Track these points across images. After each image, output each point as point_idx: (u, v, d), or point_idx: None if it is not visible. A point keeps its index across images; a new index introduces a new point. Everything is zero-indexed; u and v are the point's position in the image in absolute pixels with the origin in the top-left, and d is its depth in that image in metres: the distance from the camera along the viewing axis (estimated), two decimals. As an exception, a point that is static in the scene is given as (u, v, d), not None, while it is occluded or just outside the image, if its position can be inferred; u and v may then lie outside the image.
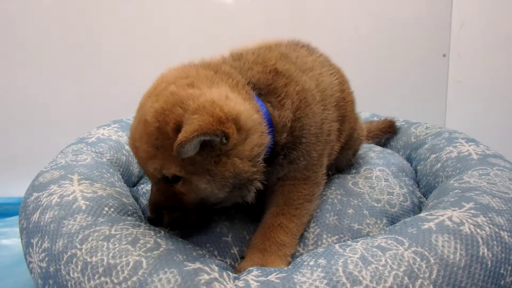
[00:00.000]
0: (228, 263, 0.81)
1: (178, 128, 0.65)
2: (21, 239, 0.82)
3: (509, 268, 0.64)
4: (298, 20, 1.85)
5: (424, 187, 1.08)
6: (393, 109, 1.72)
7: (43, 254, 0.72)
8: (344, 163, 1.08)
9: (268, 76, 0.80)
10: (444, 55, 1.97)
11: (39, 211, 0.80)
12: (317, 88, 0.85)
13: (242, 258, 0.80)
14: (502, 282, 0.63)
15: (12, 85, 1.75)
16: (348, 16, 1.91)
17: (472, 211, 0.72)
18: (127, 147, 1.19)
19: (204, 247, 0.81)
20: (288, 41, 0.95)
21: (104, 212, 0.79)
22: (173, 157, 0.68)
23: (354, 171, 1.04)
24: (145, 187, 1.08)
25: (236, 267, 0.78)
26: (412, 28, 1.96)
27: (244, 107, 0.70)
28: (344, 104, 0.97)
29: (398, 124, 1.43)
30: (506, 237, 0.67)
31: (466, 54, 1.93)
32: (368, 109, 1.63)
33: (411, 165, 1.21)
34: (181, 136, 0.62)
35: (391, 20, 1.96)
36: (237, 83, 0.75)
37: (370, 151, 1.19)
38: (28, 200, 0.86)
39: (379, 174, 1.01)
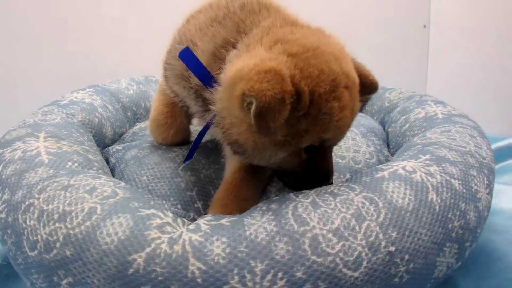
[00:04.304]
0: (192, 216, 0.83)
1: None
2: (-16, 194, 0.83)
3: (458, 213, 0.66)
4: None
5: (393, 148, 1.09)
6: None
7: (2, 206, 0.72)
8: None
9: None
10: (424, 26, 1.97)
11: (1, 165, 0.80)
12: None
13: (206, 214, 0.81)
14: (450, 226, 0.65)
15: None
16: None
17: (427, 162, 0.73)
18: (100, 110, 1.19)
19: (167, 200, 0.82)
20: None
21: (67, 166, 0.80)
22: None
23: (323, 131, 1.05)
24: (116, 147, 1.08)
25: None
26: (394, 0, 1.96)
27: None
28: None
29: (373, 89, 1.44)
30: (457, 184, 0.69)
31: (446, 25, 1.94)
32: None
33: (384, 128, 1.22)
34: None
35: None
36: None
37: (342, 114, 1.19)
38: (-7, 157, 0.86)
39: (347, 134, 1.01)
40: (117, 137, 1.23)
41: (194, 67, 0.75)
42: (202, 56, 0.76)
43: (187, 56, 0.75)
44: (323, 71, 0.63)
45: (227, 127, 0.68)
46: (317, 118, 0.63)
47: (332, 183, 0.75)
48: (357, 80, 0.70)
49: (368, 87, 0.77)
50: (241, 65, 0.63)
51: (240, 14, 0.77)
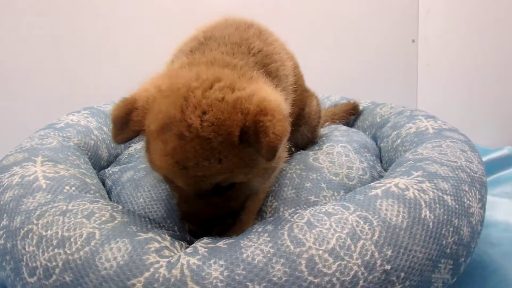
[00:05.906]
0: (188, 239, 0.83)
1: (242, 135, 0.63)
2: (-18, 221, 0.83)
3: (451, 229, 0.67)
4: (269, 5, 1.86)
5: (386, 163, 1.11)
6: (366, 93, 1.75)
7: (1, 232, 0.73)
8: (300, 140, 1.10)
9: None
10: (413, 41, 2.03)
11: (-1, 191, 0.81)
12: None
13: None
14: (444, 242, 0.66)
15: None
16: (318, 2, 1.93)
17: (419, 178, 0.75)
18: (95, 132, 1.20)
19: (164, 223, 0.83)
20: (234, 21, 0.89)
21: (65, 190, 0.80)
22: (239, 165, 0.65)
23: (317, 148, 1.06)
24: (112, 169, 1.08)
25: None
26: (382, 15, 2.01)
27: (281, 98, 0.71)
28: (295, 88, 0.99)
29: (365, 105, 1.46)
30: (449, 200, 0.70)
31: (434, 39, 1.98)
32: (341, 94, 1.65)
33: (376, 144, 1.24)
34: (275, 140, 0.60)
35: (362, 8, 2.00)
36: (258, 76, 0.75)
37: (336, 130, 1.21)
38: (-10, 182, 0.86)
39: (341, 150, 1.04)
40: (113, 158, 1.23)
41: None
42: None
43: None
44: (160, 112, 0.65)
45: None
46: (150, 152, 0.69)
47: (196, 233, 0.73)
48: (214, 136, 0.62)
49: (259, 150, 0.63)
50: None
51: (194, 53, 0.82)
